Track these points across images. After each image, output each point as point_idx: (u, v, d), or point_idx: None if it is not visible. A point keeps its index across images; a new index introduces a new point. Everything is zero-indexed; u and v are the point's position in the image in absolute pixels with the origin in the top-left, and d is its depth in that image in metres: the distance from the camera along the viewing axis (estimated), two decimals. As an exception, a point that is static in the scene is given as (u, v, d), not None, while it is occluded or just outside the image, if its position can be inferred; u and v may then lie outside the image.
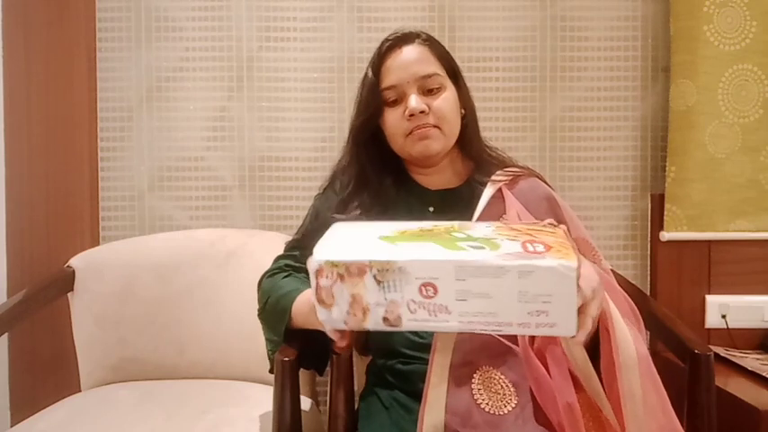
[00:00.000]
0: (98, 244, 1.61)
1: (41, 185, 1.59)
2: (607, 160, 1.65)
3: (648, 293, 1.62)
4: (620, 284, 0.95)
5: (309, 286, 0.75)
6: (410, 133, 1.05)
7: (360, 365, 1.20)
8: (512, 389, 0.88)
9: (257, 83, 1.64)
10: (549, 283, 0.65)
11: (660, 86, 1.63)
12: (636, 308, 0.92)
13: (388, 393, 1.01)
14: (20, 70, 1.58)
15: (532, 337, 0.85)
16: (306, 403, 1.28)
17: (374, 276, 0.69)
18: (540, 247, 0.68)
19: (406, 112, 1.03)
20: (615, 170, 1.65)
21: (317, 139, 1.64)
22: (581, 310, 0.71)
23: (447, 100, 1.06)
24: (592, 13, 1.63)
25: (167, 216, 1.65)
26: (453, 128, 1.07)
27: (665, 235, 1.58)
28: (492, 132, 1.60)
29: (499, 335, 0.89)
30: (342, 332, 0.82)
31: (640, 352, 0.83)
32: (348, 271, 0.69)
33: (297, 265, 1.09)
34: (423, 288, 0.68)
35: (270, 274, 1.11)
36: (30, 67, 1.58)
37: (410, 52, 1.06)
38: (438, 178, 1.12)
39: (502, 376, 0.88)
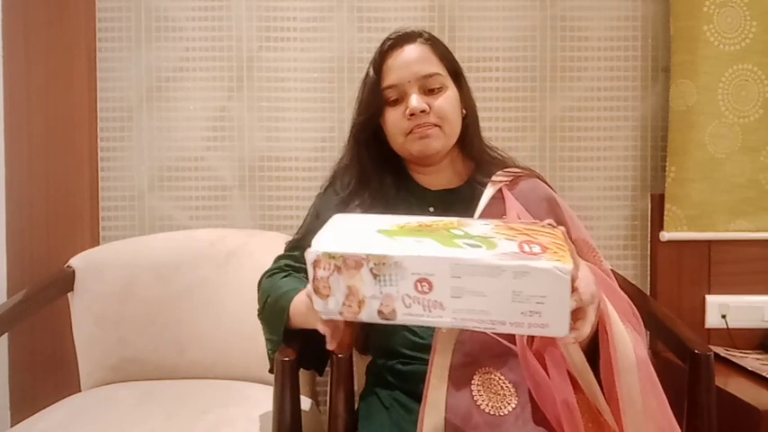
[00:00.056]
0: (98, 244, 1.61)
1: (41, 185, 1.59)
2: (607, 160, 1.65)
3: (648, 293, 1.62)
4: (620, 285, 0.95)
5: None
6: (410, 132, 1.05)
7: (360, 365, 1.20)
8: (512, 389, 0.88)
9: (257, 83, 1.64)
10: (543, 285, 0.66)
11: (660, 86, 1.63)
12: (637, 312, 0.92)
13: (388, 393, 1.02)
14: (20, 70, 1.58)
15: (531, 339, 0.85)
16: (306, 403, 1.28)
17: (371, 270, 0.69)
18: (537, 248, 0.68)
19: (407, 112, 1.04)
20: (615, 170, 1.65)
21: (317, 139, 1.64)
22: (579, 315, 0.71)
23: (448, 100, 1.06)
24: (592, 13, 1.63)
25: (167, 216, 1.65)
26: (454, 127, 1.07)
27: (665, 235, 1.58)
28: (492, 132, 1.60)
29: (498, 335, 0.89)
30: (334, 333, 0.82)
31: (639, 356, 0.83)
32: (345, 263, 0.70)
33: (297, 265, 1.10)
34: (418, 283, 0.69)
35: (269, 273, 1.11)
36: (30, 67, 1.58)
37: (412, 52, 1.06)
38: (438, 178, 1.12)
39: (502, 377, 0.88)
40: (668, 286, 1.60)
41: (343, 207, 1.06)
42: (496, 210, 0.98)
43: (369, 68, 1.10)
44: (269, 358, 1.07)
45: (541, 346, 0.84)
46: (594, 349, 0.82)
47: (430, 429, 0.84)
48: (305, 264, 0.74)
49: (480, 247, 0.69)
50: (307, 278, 0.75)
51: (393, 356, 1.02)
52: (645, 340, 0.93)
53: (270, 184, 1.65)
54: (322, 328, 0.80)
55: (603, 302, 0.80)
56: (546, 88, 1.64)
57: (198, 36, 1.63)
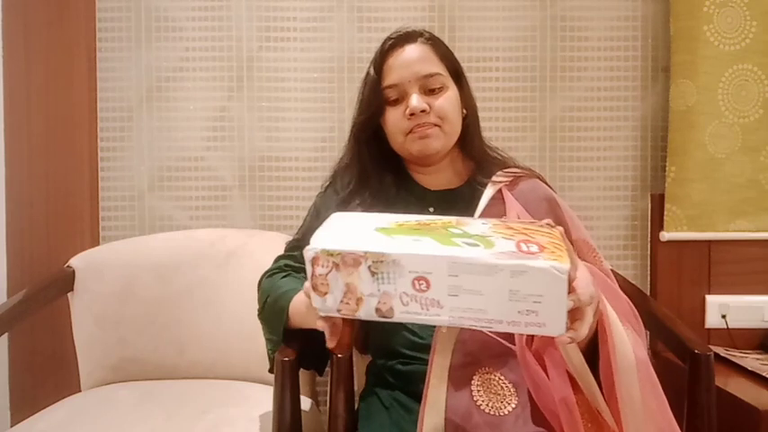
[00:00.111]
0: (98, 244, 1.61)
1: (41, 185, 1.59)
2: (607, 160, 1.65)
3: (648, 293, 1.62)
4: (620, 285, 0.95)
5: None
6: (410, 132, 1.05)
7: (360, 365, 1.20)
8: (512, 390, 0.88)
9: (257, 83, 1.64)
10: (540, 284, 0.66)
11: (660, 86, 1.63)
12: (637, 312, 0.92)
13: (388, 393, 1.02)
14: (20, 70, 1.58)
15: (530, 339, 0.85)
16: (306, 403, 1.28)
17: (369, 267, 0.70)
18: (534, 248, 0.68)
19: (407, 111, 1.03)
20: (615, 170, 1.65)
21: (317, 139, 1.64)
22: (577, 315, 0.71)
23: (448, 100, 1.06)
24: (592, 13, 1.63)
25: (167, 216, 1.65)
26: (454, 127, 1.07)
27: (665, 235, 1.58)
28: (492, 132, 1.60)
29: (498, 335, 0.89)
30: (333, 331, 0.82)
31: (639, 356, 0.83)
32: (343, 261, 0.70)
33: (296, 265, 1.10)
34: (416, 282, 0.69)
35: (269, 274, 1.11)
36: (30, 67, 1.58)
37: (412, 51, 1.06)
38: (438, 178, 1.12)
39: (502, 377, 0.88)
40: (668, 286, 1.60)
41: (344, 206, 1.06)
42: (496, 210, 0.98)
43: (369, 68, 1.10)
44: (269, 358, 1.07)
45: (541, 347, 0.84)
46: (594, 350, 0.82)
47: (430, 429, 0.84)
48: (305, 264, 0.74)
49: (478, 245, 0.69)
50: (306, 278, 0.75)
51: (393, 356, 1.02)
52: (645, 341, 0.93)
53: (270, 184, 1.65)
54: (321, 325, 0.80)
55: (602, 303, 0.80)
56: (546, 88, 1.64)
57: (198, 36, 1.63)
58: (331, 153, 1.60)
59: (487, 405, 0.86)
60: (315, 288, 0.73)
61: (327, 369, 1.07)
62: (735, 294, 1.58)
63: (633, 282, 1.55)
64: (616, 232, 1.65)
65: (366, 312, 0.72)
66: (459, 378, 0.87)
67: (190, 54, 1.63)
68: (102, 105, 1.63)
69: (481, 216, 0.97)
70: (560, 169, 1.64)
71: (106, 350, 1.41)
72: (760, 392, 1.27)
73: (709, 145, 1.54)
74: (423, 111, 1.03)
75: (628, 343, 0.82)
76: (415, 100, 1.03)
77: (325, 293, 0.73)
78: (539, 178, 1.09)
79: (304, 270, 0.81)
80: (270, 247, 1.28)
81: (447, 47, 1.11)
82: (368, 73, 1.10)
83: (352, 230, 0.75)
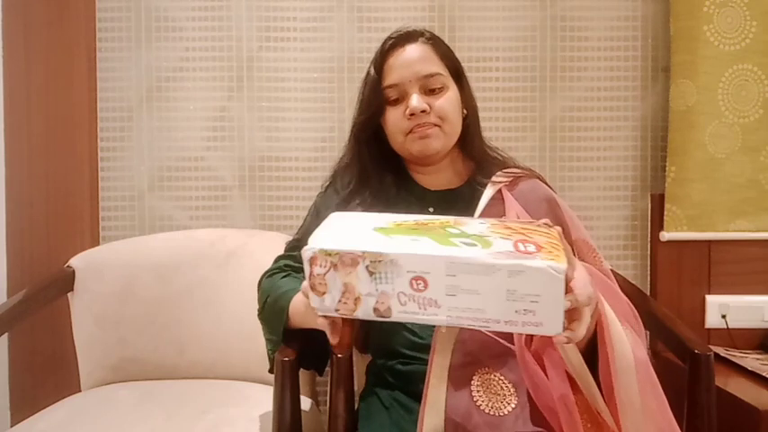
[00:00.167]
0: (98, 244, 1.61)
1: (41, 185, 1.59)
2: (607, 160, 1.65)
3: (648, 293, 1.62)
4: (619, 285, 0.95)
5: None
6: (410, 132, 1.05)
7: (360, 365, 1.20)
8: (512, 390, 0.88)
9: (257, 83, 1.64)
10: (537, 284, 0.66)
11: (660, 86, 1.63)
12: (637, 313, 0.92)
13: (388, 393, 1.02)
14: (20, 70, 1.58)
15: (529, 340, 0.85)
16: (306, 403, 1.29)
17: (367, 267, 0.70)
18: (532, 248, 0.69)
19: (407, 111, 1.03)
20: (615, 170, 1.65)
21: (317, 139, 1.64)
22: (574, 316, 0.71)
23: (449, 100, 1.05)
24: (592, 13, 1.63)
25: (167, 216, 1.65)
26: (454, 127, 1.07)
27: (665, 235, 1.58)
28: (492, 132, 1.60)
29: (497, 335, 0.89)
30: (334, 328, 0.82)
31: (638, 357, 0.83)
32: (341, 260, 0.71)
33: (296, 265, 1.10)
34: (414, 281, 0.69)
35: (269, 274, 1.11)
36: (30, 67, 1.58)
37: (413, 51, 1.06)
38: (438, 178, 1.12)
39: (501, 377, 0.88)
40: (668, 286, 1.60)
41: (344, 206, 1.06)
42: (496, 210, 0.98)
43: (370, 67, 1.10)
44: (269, 358, 1.07)
45: (540, 347, 0.84)
46: (593, 351, 0.82)
47: (430, 429, 0.84)
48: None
49: (476, 245, 0.69)
50: (305, 278, 0.75)
51: (393, 356, 1.02)
52: (645, 341, 0.93)
53: (270, 184, 1.65)
54: (321, 323, 0.80)
55: (601, 304, 0.80)
56: (546, 88, 1.64)
57: (198, 36, 1.63)
58: (331, 153, 1.60)
59: (487, 405, 0.86)
60: (313, 288, 0.73)
61: (327, 369, 1.08)
62: (735, 294, 1.58)
63: (633, 282, 1.55)
64: (616, 232, 1.65)
65: (364, 312, 0.72)
66: (459, 378, 0.87)
67: (190, 54, 1.63)
68: (102, 105, 1.63)
69: (481, 216, 0.97)
70: (560, 169, 1.64)
71: (106, 350, 1.41)
72: (760, 392, 1.27)
73: (709, 145, 1.54)
74: (423, 111, 1.03)
75: (627, 343, 0.82)
76: (416, 100, 1.03)
77: (324, 293, 0.73)
78: (539, 178, 1.09)
79: (303, 270, 0.81)
80: (270, 247, 1.28)
81: (448, 47, 1.11)
82: (368, 73, 1.10)
83: (350, 230, 0.75)
